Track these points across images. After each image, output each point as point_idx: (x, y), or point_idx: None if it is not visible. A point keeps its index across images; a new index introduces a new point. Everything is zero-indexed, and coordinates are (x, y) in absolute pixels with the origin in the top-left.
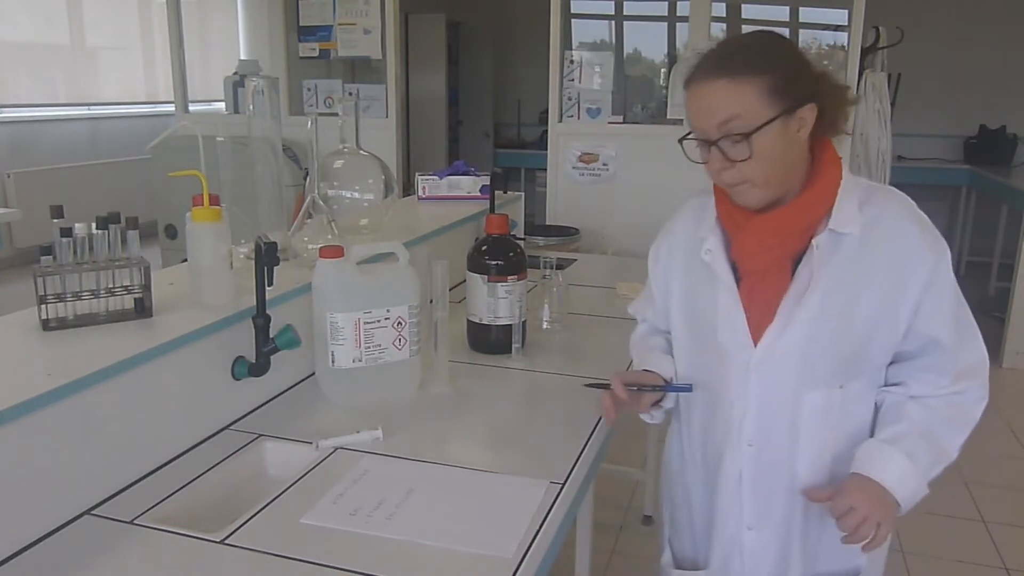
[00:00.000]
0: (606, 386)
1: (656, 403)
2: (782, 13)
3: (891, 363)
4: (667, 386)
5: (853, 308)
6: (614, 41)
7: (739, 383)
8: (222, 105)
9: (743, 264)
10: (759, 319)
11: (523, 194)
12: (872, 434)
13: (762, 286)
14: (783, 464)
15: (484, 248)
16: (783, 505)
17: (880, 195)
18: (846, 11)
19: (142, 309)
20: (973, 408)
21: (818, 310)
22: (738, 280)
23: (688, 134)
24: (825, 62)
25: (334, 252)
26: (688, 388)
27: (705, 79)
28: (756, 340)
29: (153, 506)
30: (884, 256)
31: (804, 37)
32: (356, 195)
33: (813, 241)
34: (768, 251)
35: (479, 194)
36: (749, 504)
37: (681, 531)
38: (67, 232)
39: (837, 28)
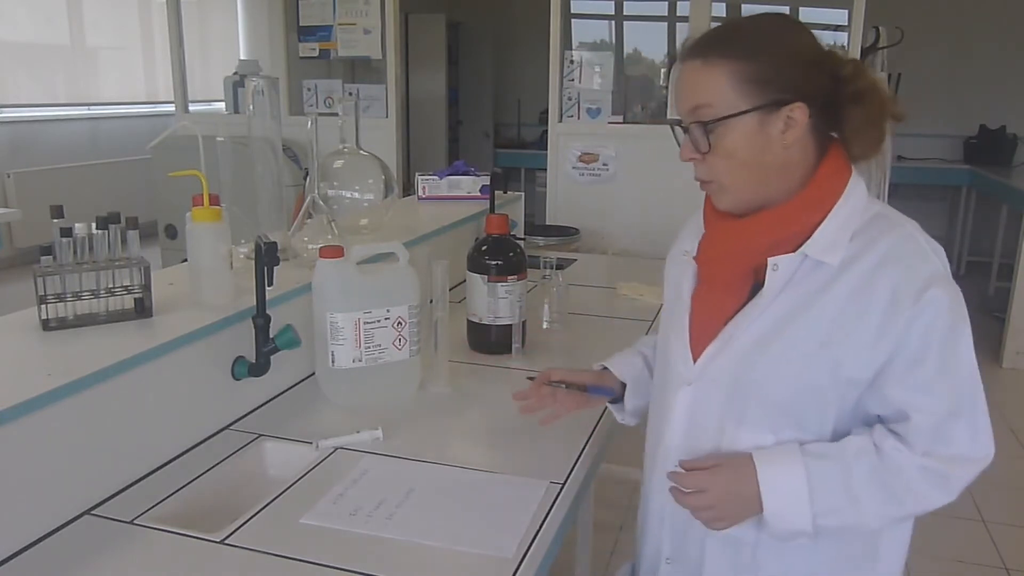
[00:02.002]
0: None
1: (614, 402)
2: None
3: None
4: (589, 388)
5: (801, 350)
6: (614, 41)
7: (674, 400)
8: (222, 105)
9: (700, 270)
10: (701, 333)
11: (523, 194)
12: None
13: (712, 298)
14: None
15: (484, 248)
16: (697, 544)
17: (882, 226)
18: (846, 11)
19: (142, 309)
20: (926, 494)
21: (758, 341)
22: None
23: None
24: None
25: (334, 252)
26: (610, 392)
27: (684, 59)
28: (696, 356)
29: (153, 506)
30: (857, 300)
31: None
32: (356, 195)
33: (770, 260)
34: (719, 262)
35: (479, 194)
36: (669, 535)
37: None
38: (67, 232)
39: (837, 28)
